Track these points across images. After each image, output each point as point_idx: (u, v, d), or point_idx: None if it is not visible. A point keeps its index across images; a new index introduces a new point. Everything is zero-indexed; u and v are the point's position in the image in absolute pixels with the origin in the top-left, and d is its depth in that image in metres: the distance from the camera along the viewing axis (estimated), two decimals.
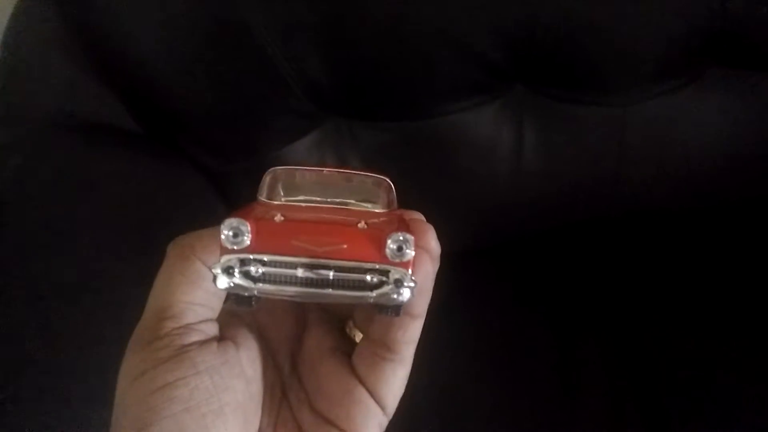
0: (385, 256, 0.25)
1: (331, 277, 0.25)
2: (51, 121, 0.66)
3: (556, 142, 0.74)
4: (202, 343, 0.27)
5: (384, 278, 0.25)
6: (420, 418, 0.64)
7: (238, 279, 0.25)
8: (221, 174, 0.74)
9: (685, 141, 0.73)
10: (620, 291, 0.77)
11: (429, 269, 0.27)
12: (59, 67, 0.66)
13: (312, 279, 0.25)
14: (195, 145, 0.73)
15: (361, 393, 0.29)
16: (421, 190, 0.75)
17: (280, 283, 0.25)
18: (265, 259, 0.25)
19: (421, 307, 0.28)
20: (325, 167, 0.29)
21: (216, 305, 0.29)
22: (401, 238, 0.25)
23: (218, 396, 0.27)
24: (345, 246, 0.25)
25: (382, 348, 0.28)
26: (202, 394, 0.26)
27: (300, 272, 0.25)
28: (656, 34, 0.65)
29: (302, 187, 0.29)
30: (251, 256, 0.25)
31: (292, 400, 0.30)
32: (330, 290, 0.26)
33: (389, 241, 0.25)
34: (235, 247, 0.25)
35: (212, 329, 0.28)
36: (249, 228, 0.25)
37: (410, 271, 0.26)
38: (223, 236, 0.25)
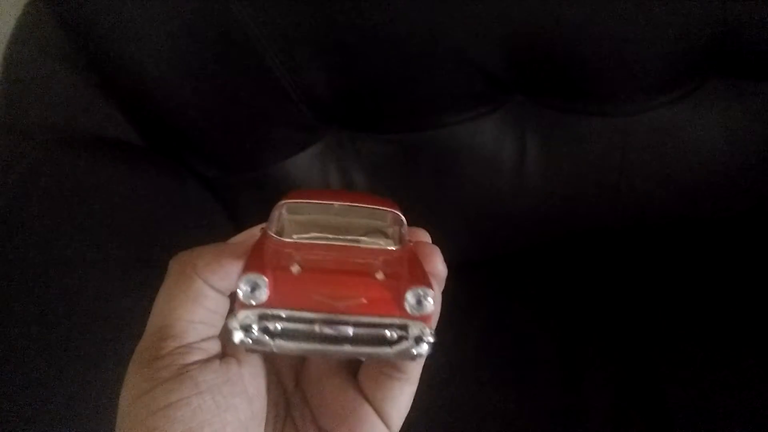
0: (404, 310, 0.25)
1: (350, 334, 0.25)
2: (53, 134, 0.66)
3: (557, 153, 0.74)
4: (204, 361, 0.27)
5: (403, 333, 0.25)
6: (417, 417, 0.64)
7: (256, 335, 0.25)
8: (223, 186, 0.74)
9: (686, 151, 0.73)
10: (622, 300, 0.77)
11: (437, 293, 0.27)
12: (61, 80, 0.66)
13: (331, 335, 0.25)
14: (196, 157, 0.73)
15: (367, 411, 0.29)
16: (423, 201, 0.76)
17: (298, 339, 0.25)
18: (283, 314, 0.25)
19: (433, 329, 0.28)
20: (335, 199, 0.29)
21: (218, 323, 0.28)
22: (420, 292, 0.25)
23: (220, 416, 0.26)
24: (364, 300, 0.25)
25: (390, 367, 0.28)
26: (205, 414, 0.26)
27: (318, 328, 0.25)
28: (657, 45, 0.65)
29: (311, 217, 0.29)
30: (269, 312, 0.25)
31: (297, 418, 0.30)
32: (348, 346, 0.26)
33: (409, 295, 0.25)
34: (253, 302, 0.25)
35: (214, 347, 0.28)
36: (267, 282, 0.25)
37: (429, 326, 0.26)
38: (240, 292, 0.25)
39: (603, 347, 0.72)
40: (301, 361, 0.31)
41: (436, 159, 0.74)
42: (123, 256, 0.61)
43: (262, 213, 0.79)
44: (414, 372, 0.28)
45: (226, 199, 0.74)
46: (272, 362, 0.31)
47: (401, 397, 0.28)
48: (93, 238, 0.61)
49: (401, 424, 0.29)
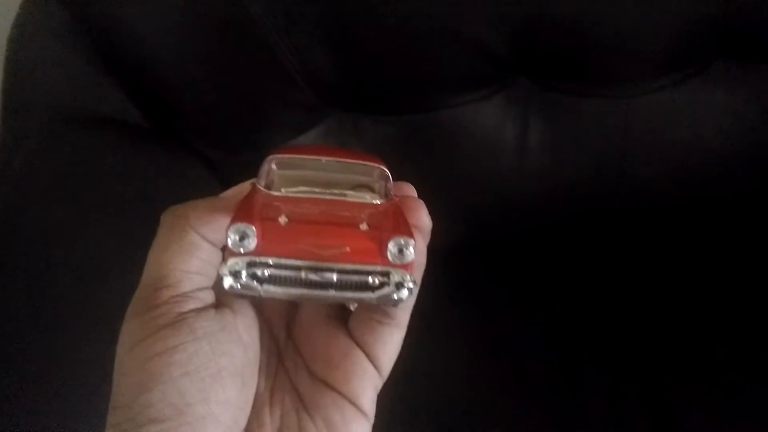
0: (386, 258, 0.26)
1: (334, 280, 0.26)
2: (57, 116, 0.66)
3: (559, 135, 0.74)
4: (200, 310, 0.28)
5: (385, 279, 0.27)
6: (417, 418, 0.65)
7: (245, 281, 0.26)
8: (226, 167, 0.75)
9: (689, 134, 0.73)
10: (623, 284, 0.77)
11: (422, 245, 0.28)
12: (65, 62, 0.67)
13: (316, 281, 0.26)
14: (199, 137, 0.74)
15: (359, 355, 0.29)
16: (425, 183, 0.75)
17: (285, 284, 0.26)
18: (271, 262, 0.26)
19: (417, 278, 0.28)
20: (323, 154, 0.30)
21: (212, 273, 0.29)
22: (402, 241, 0.26)
23: (216, 361, 0.27)
24: (348, 249, 0.26)
25: (380, 313, 0.29)
26: (201, 359, 0.26)
27: (304, 275, 0.26)
28: (661, 26, 0.65)
29: (300, 173, 0.29)
30: (257, 259, 0.26)
31: (289, 365, 0.31)
32: (333, 291, 0.27)
33: (390, 245, 0.26)
34: (242, 250, 0.26)
35: (209, 297, 0.29)
36: (255, 231, 0.26)
37: (410, 273, 0.27)
38: (229, 240, 0.26)
39: (601, 332, 0.72)
40: (292, 313, 0.32)
41: (437, 141, 0.74)
42: (126, 235, 0.62)
43: None
44: (402, 317, 0.29)
45: (229, 181, 0.74)
46: (264, 314, 0.31)
47: (391, 341, 0.29)
48: (97, 217, 0.62)
49: (390, 368, 0.30)
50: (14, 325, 0.52)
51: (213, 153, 0.74)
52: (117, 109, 0.69)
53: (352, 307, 0.31)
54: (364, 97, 0.73)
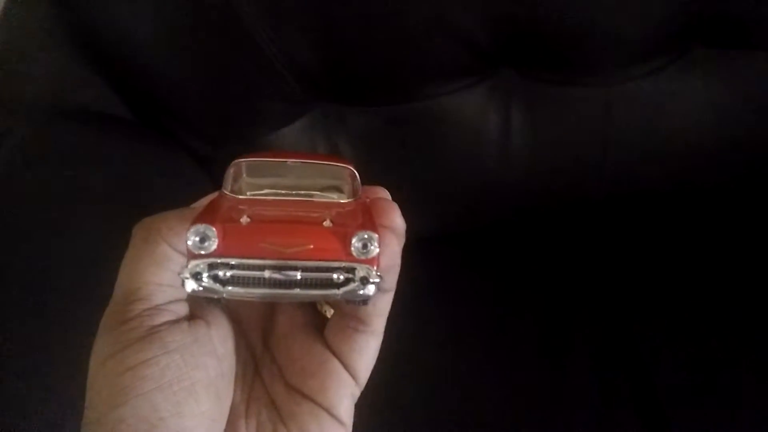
0: (350, 254, 0.26)
1: (298, 278, 0.26)
2: (45, 110, 0.66)
3: (542, 124, 0.74)
4: (173, 322, 0.28)
5: (350, 275, 0.26)
6: (405, 412, 0.65)
7: (206, 283, 0.26)
8: (212, 159, 0.75)
9: (669, 122, 0.73)
10: (605, 273, 0.77)
11: (395, 247, 0.28)
12: (52, 56, 0.67)
13: (280, 280, 0.26)
14: (185, 130, 0.74)
15: (335, 365, 0.29)
16: (409, 173, 0.76)
17: (249, 285, 0.26)
18: (233, 262, 0.26)
19: (391, 282, 0.28)
20: (289, 157, 0.30)
21: None
22: (366, 236, 0.26)
23: (189, 374, 0.27)
24: (311, 246, 0.26)
25: (355, 321, 0.29)
26: (173, 372, 0.27)
27: (267, 274, 0.26)
28: (638, 14, 0.65)
29: (267, 178, 0.29)
30: (219, 260, 0.26)
31: (265, 376, 0.31)
32: (298, 290, 0.26)
33: (354, 240, 0.26)
34: (203, 252, 0.26)
35: (182, 309, 0.29)
36: (216, 233, 0.26)
37: (375, 268, 0.26)
38: (190, 242, 0.26)
39: (587, 321, 0.72)
40: (268, 323, 0.32)
41: (422, 131, 0.74)
42: (113, 228, 0.62)
43: None
44: (378, 324, 0.29)
45: (215, 172, 0.74)
46: (241, 325, 0.32)
47: (367, 349, 0.29)
48: (83, 210, 0.62)
49: (367, 377, 0.30)
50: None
51: (199, 145, 0.74)
52: (104, 103, 0.69)
53: (329, 314, 0.31)
54: (348, 88, 0.73)
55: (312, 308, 0.32)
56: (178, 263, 0.28)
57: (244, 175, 0.29)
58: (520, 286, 0.76)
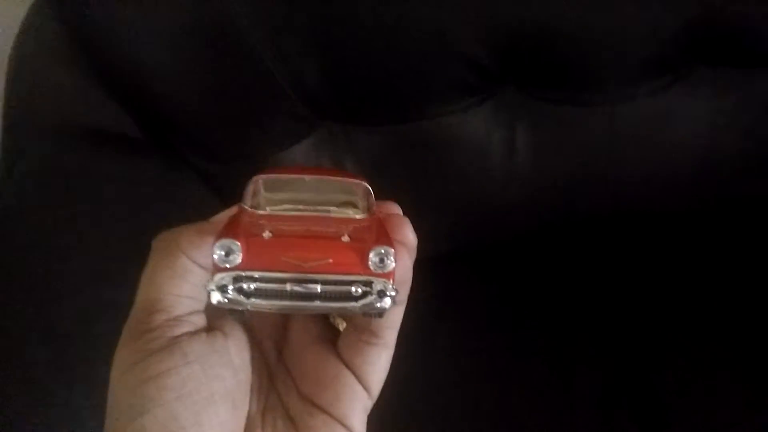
0: (368, 268, 0.27)
1: (318, 291, 0.27)
2: (55, 129, 0.68)
3: (546, 143, 0.74)
4: (192, 333, 0.28)
5: (367, 288, 0.27)
6: (416, 425, 0.65)
7: (231, 295, 0.27)
8: (219, 178, 0.76)
9: (674, 140, 0.73)
10: (612, 291, 0.77)
11: (407, 261, 0.29)
12: (64, 78, 0.68)
13: (301, 293, 0.27)
14: (193, 149, 0.75)
15: (348, 377, 0.30)
16: (415, 192, 0.77)
17: (271, 297, 0.27)
18: (256, 275, 0.27)
19: (403, 295, 0.29)
20: (307, 173, 0.31)
21: (203, 297, 0.30)
22: (382, 251, 0.27)
23: (208, 384, 0.28)
24: (330, 260, 0.27)
25: (367, 333, 0.30)
26: (193, 382, 0.27)
27: (289, 287, 0.27)
28: (643, 32, 0.66)
29: (285, 194, 0.30)
30: (243, 273, 0.27)
31: (280, 387, 0.31)
32: (318, 302, 0.27)
33: (371, 254, 0.27)
34: (227, 266, 0.27)
35: (201, 320, 0.29)
36: (240, 247, 0.27)
37: (391, 281, 0.27)
38: (215, 256, 0.27)
39: (593, 338, 0.73)
40: (282, 335, 0.33)
41: (427, 149, 0.75)
42: (121, 247, 0.63)
43: None
44: (389, 337, 0.30)
45: (223, 193, 0.75)
46: (255, 336, 0.32)
47: (379, 362, 0.30)
48: (92, 229, 0.63)
49: (379, 389, 0.30)
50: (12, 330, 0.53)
51: (206, 164, 0.75)
52: (113, 122, 0.70)
53: (341, 327, 0.31)
54: (353, 108, 0.74)
55: (324, 321, 0.32)
56: (196, 275, 0.29)
57: (263, 191, 0.30)
58: (525, 302, 0.76)
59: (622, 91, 0.71)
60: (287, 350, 0.32)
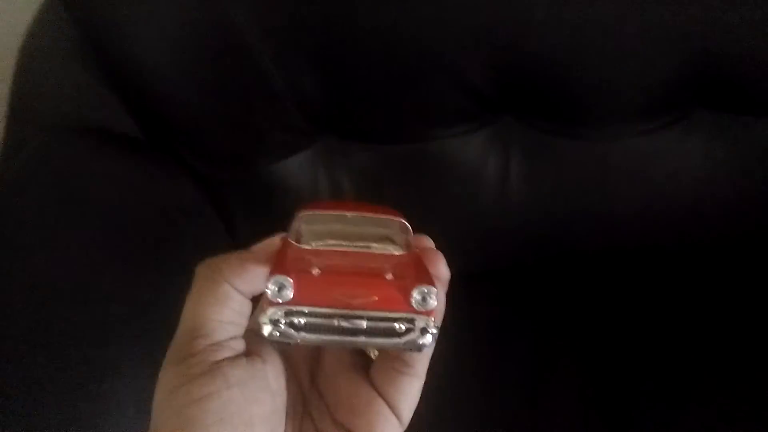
0: (410, 306, 0.28)
1: (364, 326, 0.29)
2: (58, 124, 0.68)
3: (540, 174, 0.75)
4: (233, 359, 0.29)
5: (410, 325, 0.29)
6: None
7: (283, 329, 0.28)
8: (216, 182, 0.76)
9: (668, 179, 0.74)
10: (594, 321, 0.78)
11: (441, 294, 0.30)
12: (71, 75, 0.68)
13: (347, 328, 0.29)
14: (191, 152, 0.75)
15: (380, 404, 0.31)
16: (407, 212, 0.78)
17: (319, 331, 0.29)
18: (306, 310, 0.28)
19: (438, 324, 0.30)
20: (348, 210, 0.32)
21: (243, 323, 0.31)
22: (425, 290, 0.28)
23: (248, 408, 0.29)
24: (376, 297, 0.29)
25: (399, 363, 0.31)
26: (234, 406, 0.28)
27: (337, 322, 0.28)
28: (641, 73, 0.67)
29: (327, 228, 0.32)
30: (294, 308, 0.28)
31: (314, 413, 0.32)
32: (363, 338, 0.29)
33: (415, 293, 0.28)
34: (280, 300, 0.28)
35: (240, 346, 0.30)
36: (292, 283, 0.28)
37: (433, 319, 0.29)
38: (269, 291, 0.28)
39: (572, 366, 0.74)
40: (315, 362, 0.34)
41: (423, 171, 0.76)
42: (116, 244, 0.63)
43: (250, 211, 0.80)
44: (421, 367, 0.31)
45: (218, 197, 0.76)
46: (289, 362, 0.33)
47: (410, 391, 0.31)
48: (87, 225, 0.63)
49: (410, 416, 0.32)
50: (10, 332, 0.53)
51: (204, 168, 0.76)
52: (114, 122, 0.71)
53: (373, 355, 0.33)
54: (351, 125, 0.75)
55: (357, 350, 0.34)
56: (237, 302, 0.30)
57: (307, 225, 0.32)
58: (509, 329, 0.77)
59: (617, 128, 0.72)
60: (321, 377, 0.33)
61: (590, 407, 0.70)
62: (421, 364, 0.31)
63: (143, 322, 0.58)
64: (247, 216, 0.77)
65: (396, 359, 0.31)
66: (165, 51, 0.67)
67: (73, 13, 0.65)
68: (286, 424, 0.32)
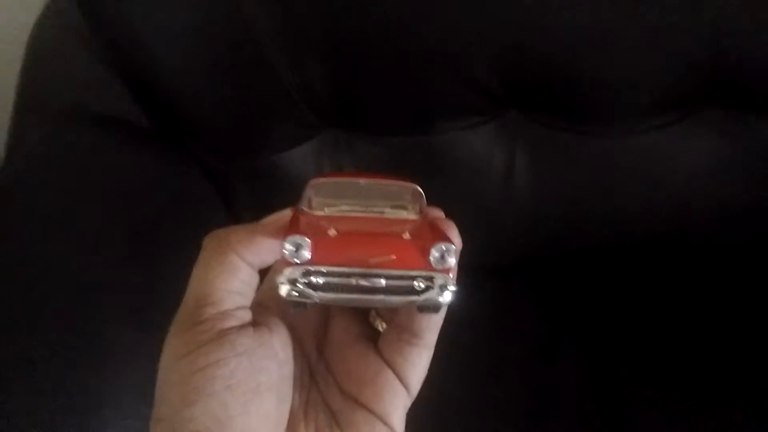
0: (429, 264, 0.28)
1: (383, 285, 0.28)
2: (65, 114, 0.68)
3: (546, 169, 0.75)
4: (240, 327, 0.29)
5: (429, 283, 0.28)
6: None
7: (301, 288, 0.28)
8: (220, 172, 0.77)
9: (675, 176, 0.74)
10: (598, 318, 0.77)
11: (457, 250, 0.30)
12: (80, 63, 0.68)
13: (366, 287, 0.28)
14: (197, 142, 0.75)
15: (388, 375, 0.31)
16: None
17: (338, 291, 0.28)
18: (324, 270, 0.28)
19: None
20: (360, 177, 0.32)
21: (250, 294, 0.31)
22: (443, 247, 0.28)
23: (255, 376, 0.29)
24: (394, 256, 0.28)
25: (408, 334, 0.31)
26: (241, 374, 0.28)
27: (355, 281, 0.28)
28: (650, 70, 0.66)
29: (341, 197, 0.32)
30: (312, 268, 0.28)
31: (321, 384, 0.33)
32: (382, 296, 0.28)
33: (433, 251, 0.28)
34: (297, 261, 0.28)
35: (247, 316, 0.30)
36: (309, 243, 0.28)
37: (452, 276, 0.28)
38: (286, 251, 0.28)
39: (576, 361, 0.74)
40: (322, 334, 0.34)
41: (428, 164, 0.76)
42: (121, 233, 0.63)
43: (255, 201, 0.80)
44: (430, 338, 0.31)
45: (223, 187, 0.76)
46: (296, 334, 0.33)
47: (419, 361, 0.31)
48: (91, 213, 0.63)
49: (419, 388, 0.32)
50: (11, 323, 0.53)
51: (209, 158, 0.76)
52: (121, 110, 0.71)
53: (381, 328, 0.33)
54: (357, 117, 0.75)
55: (365, 321, 0.33)
56: (245, 272, 0.30)
57: (320, 194, 0.31)
58: (514, 328, 0.77)
59: (625, 124, 0.71)
60: (328, 349, 0.33)
61: (592, 402, 0.70)
62: (431, 334, 0.31)
63: (145, 311, 0.57)
64: (252, 206, 0.77)
65: (405, 330, 0.31)
66: (174, 43, 0.68)
67: (82, 4, 0.65)
68: (293, 395, 0.32)
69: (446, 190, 0.77)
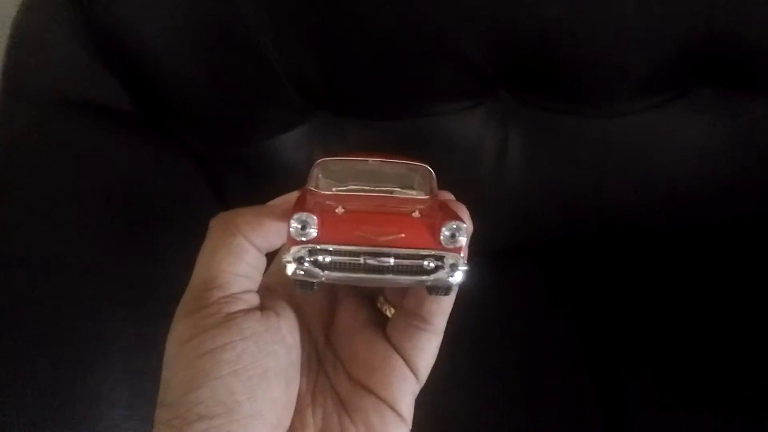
0: (439, 243, 0.28)
1: (392, 264, 0.27)
2: (52, 100, 0.67)
3: (538, 151, 0.75)
4: (247, 311, 0.29)
5: (439, 263, 0.28)
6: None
7: (307, 267, 0.27)
8: (210, 159, 0.76)
9: (667, 158, 0.73)
10: (592, 304, 0.77)
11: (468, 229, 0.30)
12: (66, 49, 0.67)
13: (374, 266, 0.27)
14: (186, 129, 0.74)
15: (397, 361, 0.31)
16: None
17: (345, 270, 0.28)
18: (331, 248, 0.27)
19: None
20: (369, 156, 0.31)
21: (257, 278, 0.30)
22: (455, 226, 0.28)
23: (262, 360, 0.28)
24: (403, 235, 0.28)
25: (417, 319, 0.30)
26: (248, 358, 0.28)
27: (363, 260, 0.27)
28: (642, 50, 0.66)
29: (349, 176, 0.31)
30: (319, 246, 0.27)
31: (329, 369, 0.32)
32: (390, 275, 0.28)
33: (444, 229, 0.27)
34: (303, 239, 0.27)
35: (254, 299, 0.30)
36: (316, 221, 0.27)
37: (463, 256, 0.28)
38: (292, 229, 0.27)
39: (567, 350, 0.73)
40: (330, 319, 0.33)
41: (420, 148, 0.75)
42: (108, 219, 0.62)
43: (246, 188, 0.79)
44: (440, 323, 0.31)
45: (213, 174, 0.75)
46: (304, 319, 0.33)
47: (428, 347, 0.31)
48: (80, 199, 0.62)
49: (427, 374, 0.31)
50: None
51: (199, 144, 0.75)
52: (109, 97, 0.70)
53: (389, 313, 0.32)
54: (347, 101, 0.74)
55: (372, 307, 0.33)
56: (252, 255, 0.29)
57: (327, 172, 0.31)
58: (508, 312, 0.76)
59: (618, 105, 0.71)
60: (335, 335, 0.33)
61: (592, 402, 0.70)
62: (440, 320, 0.31)
63: (136, 298, 0.57)
64: (242, 193, 0.76)
65: (414, 316, 0.30)
66: (162, 28, 0.67)
67: None
68: (300, 380, 0.31)
69: (438, 174, 0.77)
